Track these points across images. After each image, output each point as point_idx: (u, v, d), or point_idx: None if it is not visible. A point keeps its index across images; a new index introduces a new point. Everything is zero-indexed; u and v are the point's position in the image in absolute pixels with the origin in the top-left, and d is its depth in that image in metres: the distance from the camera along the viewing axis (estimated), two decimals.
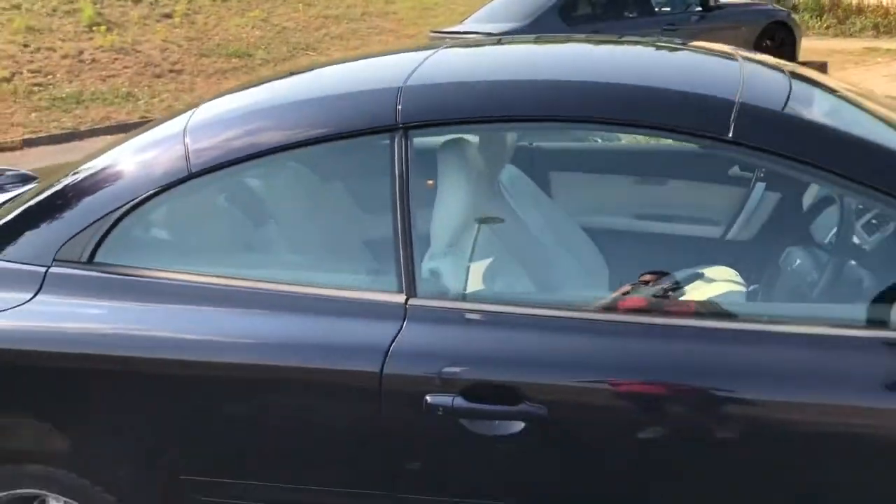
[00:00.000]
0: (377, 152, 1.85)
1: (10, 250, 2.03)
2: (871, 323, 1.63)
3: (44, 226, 2.05)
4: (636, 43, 2.47)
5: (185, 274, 1.88)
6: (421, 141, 1.87)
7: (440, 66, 2.02)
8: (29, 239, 2.04)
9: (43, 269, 1.96)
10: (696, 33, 9.60)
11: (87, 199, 2.02)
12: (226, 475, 1.84)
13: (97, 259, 1.95)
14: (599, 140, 2.92)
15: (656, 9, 9.57)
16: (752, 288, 2.15)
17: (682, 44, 2.56)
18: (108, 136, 8.94)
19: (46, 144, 10.19)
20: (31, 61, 12.72)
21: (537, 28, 8.59)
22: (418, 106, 1.84)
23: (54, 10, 14.40)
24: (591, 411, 1.65)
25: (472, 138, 2.15)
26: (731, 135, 1.67)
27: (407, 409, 1.67)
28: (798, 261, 2.07)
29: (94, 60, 13.10)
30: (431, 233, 1.92)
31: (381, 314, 1.74)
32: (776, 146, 1.67)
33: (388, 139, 1.82)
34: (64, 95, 11.90)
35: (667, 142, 2.17)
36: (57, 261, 1.96)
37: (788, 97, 1.80)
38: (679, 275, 1.86)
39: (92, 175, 2.08)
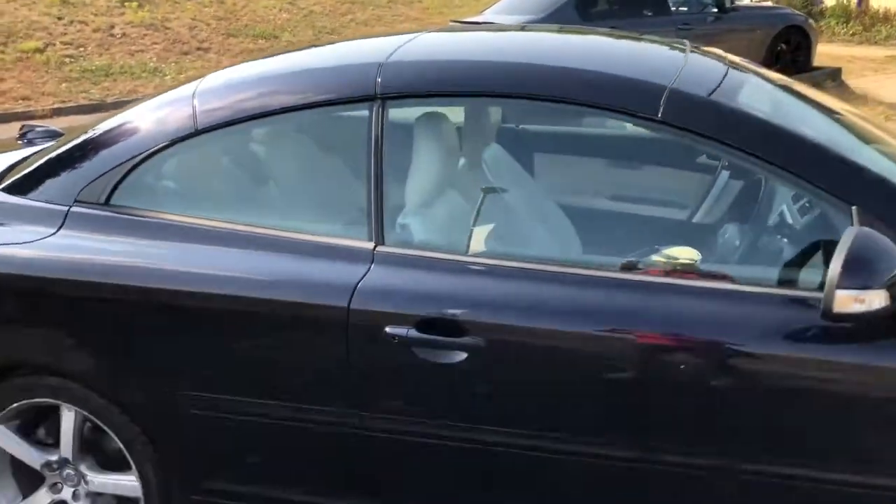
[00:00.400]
0: (358, 119, 2.13)
1: (38, 192, 2.34)
2: (782, 283, 1.90)
3: (68, 172, 2.35)
4: (600, 34, 2.72)
5: (188, 217, 2.18)
6: (397, 112, 2.15)
7: (419, 47, 2.30)
8: (54, 183, 2.35)
9: (65, 209, 2.26)
10: (710, 34, 9.76)
11: (106, 150, 2.32)
12: (215, 391, 2.14)
13: (113, 201, 2.25)
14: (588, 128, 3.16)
15: (673, 8, 9.75)
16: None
17: (639, 37, 2.82)
18: None
19: (75, 114, 10.52)
20: (64, 34, 13.09)
21: (552, 21, 8.80)
22: (395, 80, 2.12)
23: None
24: (523, 346, 1.92)
25: (449, 114, 2.42)
26: (660, 116, 1.93)
27: (369, 337, 1.96)
28: (737, 234, 2.33)
29: (124, 35, 13.44)
30: (406, 193, 2.20)
31: (353, 258, 2.03)
32: (700, 128, 1.93)
33: (368, 108, 2.10)
34: (93, 68, 12.26)
35: (641, 129, 2.41)
36: (78, 202, 2.26)
37: (718, 87, 2.05)
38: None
39: (110, 130, 2.38)
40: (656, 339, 1.83)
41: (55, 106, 10.56)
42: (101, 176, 2.27)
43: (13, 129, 9.97)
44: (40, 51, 12.46)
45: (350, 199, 2.12)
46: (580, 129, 2.88)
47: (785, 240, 2.16)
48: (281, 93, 2.22)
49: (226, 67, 2.60)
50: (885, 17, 16.81)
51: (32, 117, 10.18)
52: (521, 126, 3.01)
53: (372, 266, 2.01)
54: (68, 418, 2.31)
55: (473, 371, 1.93)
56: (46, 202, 2.30)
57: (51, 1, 13.94)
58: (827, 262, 1.67)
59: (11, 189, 2.40)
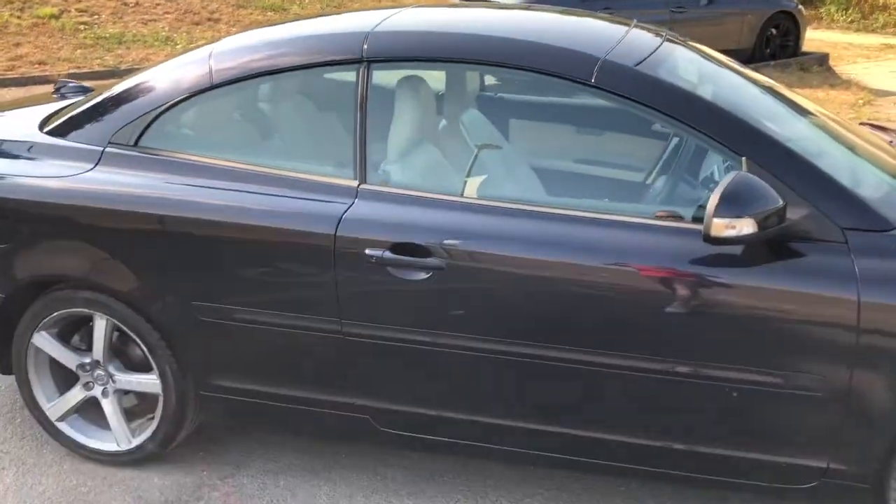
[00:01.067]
0: (347, 79, 2.56)
1: (77, 135, 2.78)
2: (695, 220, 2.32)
3: (103, 119, 2.78)
4: (562, 13, 3.15)
5: (203, 157, 2.62)
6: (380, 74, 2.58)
7: (401, 19, 2.72)
8: (91, 127, 2.78)
9: (101, 149, 2.70)
10: (703, 17, 10.14)
11: (135, 101, 2.76)
12: (221, 302, 2.57)
13: (140, 143, 2.69)
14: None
15: None
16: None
17: (593, 15, 3.24)
18: None
19: (90, 79, 10.88)
20: (79, 1, 13.46)
21: (549, 3, 9.16)
22: (378, 47, 2.55)
23: None
24: (475, 267, 2.36)
25: (428, 78, 2.85)
26: (593, 81, 2.36)
27: (351, 258, 2.39)
28: (662, 183, 2.76)
29: (137, 4, 13.80)
30: (386, 142, 2.63)
31: (340, 193, 2.46)
32: (627, 92, 2.36)
33: (356, 70, 2.53)
34: (107, 35, 12.63)
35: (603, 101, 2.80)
36: (111, 143, 2.70)
37: (646, 59, 2.47)
38: None
39: (139, 84, 2.81)
40: (589, 261, 2.26)
41: (70, 71, 10.92)
42: (130, 122, 2.71)
43: (30, 91, 10.44)
44: (55, 17, 12.83)
45: (340, 146, 2.54)
46: (538, 97, 3.29)
47: (699, 187, 2.59)
48: (284, 55, 2.65)
49: (237, 33, 3.03)
50: (884, 6, 17.05)
51: (49, 81, 10.58)
52: (497, 94, 3.44)
53: (356, 200, 2.45)
54: (100, 326, 2.76)
55: (434, 286, 2.36)
56: (85, 143, 2.74)
57: None
58: None
59: (54, 132, 2.85)
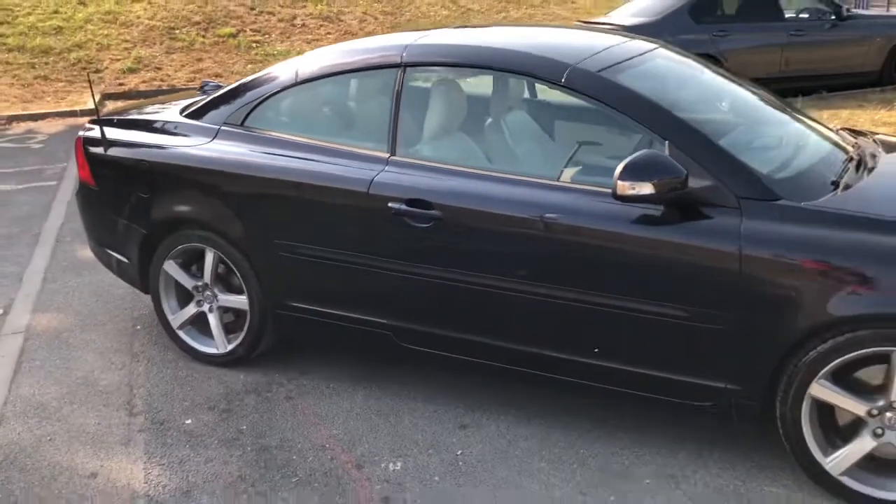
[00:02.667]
0: (389, 79, 3.43)
1: (203, 117, 3.81)
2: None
3: (222, 105, 3.80)
4: (563, 28, 3.90)
5: (285, 134, 3.57)
6: (415, 76, 3.44)
7: (433, 37, 3.58)
8: (213, 112, 3.81)
9: (217, 127, 3.71)
10: (825, 41, 10.32)
11: (244, 93, 3.76)
12: (294, 240, 3.49)
13: (245, 124, 3.68)
14: None
15: (789, 15, 10.35)
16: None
17: (581, 28, 3.96)
18: None
19: None
20: (254, 22, 15.19)
21: (665, 25, 9.70)
22: (413, 55, 3.42)
23: None
24: (466, 218, 3.14)
25: (463, 81, 3.66)
26: (563, 82, 3.12)
27: (378, 209, 3.25)
28: (594, 157, 3.39)
29: (303, 25, 15.39)
30: (424, 129, 3.48)
31: (376, 161, 3.34)
32: (588, 91, 3.09)
33: (395, 72, 3.41)
34: (276, 52, 14.22)
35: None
36: (225, 123, 3.71)
37: (610, 66, 3.18)
38: None
39: (247, 82, 3.82)
40: (540, 215, 3.01)
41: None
42: (239, 108, 3.71)
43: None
44: (233, 36, 14.59)
45: (381, 128, 3.42)
46: (520, 93, 3.88)
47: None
48: (348, 61, 3.57)
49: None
50: None
51: None
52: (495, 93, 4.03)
53: (385, 167, 3.31)
54: (209, 258, 3.77)
55: (435, 232, 3.18)
56: (208, 123, 3.77)
57: None
58: None
59: (190, 115, 3.89)
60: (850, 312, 2.65)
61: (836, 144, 3.46)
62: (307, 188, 3.44)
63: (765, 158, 3.07)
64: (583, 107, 3.16)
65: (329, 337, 3.68)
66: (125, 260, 4.04)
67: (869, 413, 2.72)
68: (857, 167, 3.18)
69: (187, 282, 3.88)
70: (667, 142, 2.90)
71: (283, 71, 3.74)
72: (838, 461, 2.79)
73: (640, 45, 3.65)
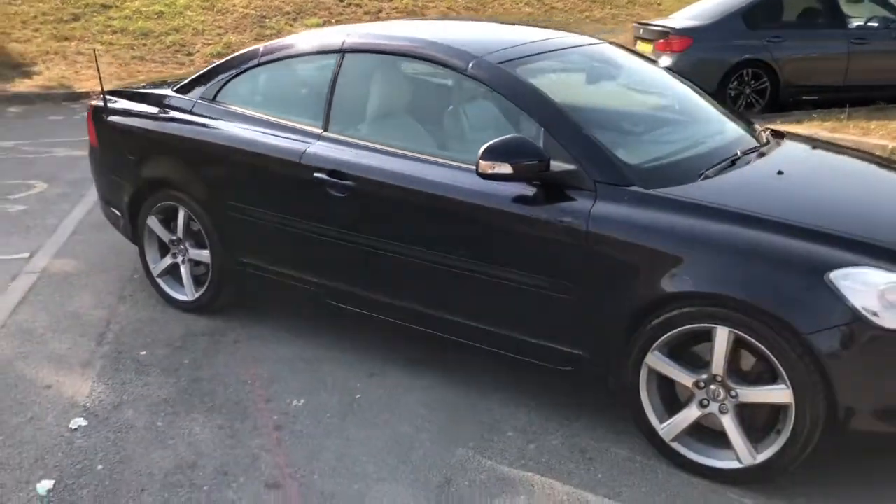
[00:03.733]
0: (330, 63, 3.87)
1: (187, 92, 4.34)
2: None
3: (200, 82, 4.33)
4: (499, 23, 4.23)
5: (245, 109, 4.06)
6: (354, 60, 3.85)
7: (376, 27, 3.99)
8: (196, 88, 4.33)
9: (194, 101, 4.24)
10: (888, 50, 10.08)
11: (217, 73, 4.27)
12: (240, 202, 3.98)
13: (217, 99, 4.19)
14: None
15: (852, 22, 10.16)
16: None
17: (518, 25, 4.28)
18: None
19: None
20: (341, 14, 15.88)
21: (716, 29, 9.74)
22: (351, 42, 3.84)
23: None
24: (374, 188, 3.54)
25: (393, 68, 3.99)
26: (467, 72, 3.47)
27: (307, 178, 3.69)
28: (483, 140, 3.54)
29: (387, 18, 15.99)
30: (352, 109, 3.88)
31: (311, 136, 3.78)
32: (487, 81, 3.43)
33: (336, 57, 3.84)
34: None
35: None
36: (201, 97, 4.23)
37: (510, 60, 3.50)
38: None
39: (226, 61, 4.32)
40: (430, 189, 3.38)
41: None
42: (213, 84, 4.23)
43: None
44: (319, 26, 15.31)
45: (318, 106, 3.85)
46: (437, 80, 4.00)
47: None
48: (300, 46, 4.03)
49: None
50: None
51: None
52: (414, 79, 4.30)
53: (317, 141, 3.75)
54: (181, 215, 4.29)
55: (351, 200, 3.60)
56: (189, 97, 4.30)
57: None
58: None
59: (178, 90, 4.43)
60: (678, 289, 2.91)
61: (737, 141, 3.66)
62: (252, 156, 3.92)
63: (639, 149, 3.35)
64: (486, 94, 3.49)
65: (275, 292, 4.14)
66: (119, 214, 4.63)
67: (696, 384, 2.97)
68: (733, 163, 3.38)
69: (165, 236, 4.43)
70: (542, 129, 3.22)
71: (251, 52, 4.23)
72: (670, 428, 3.05)
73: (569, 41, 3.95)
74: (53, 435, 3.31)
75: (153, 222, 4.44)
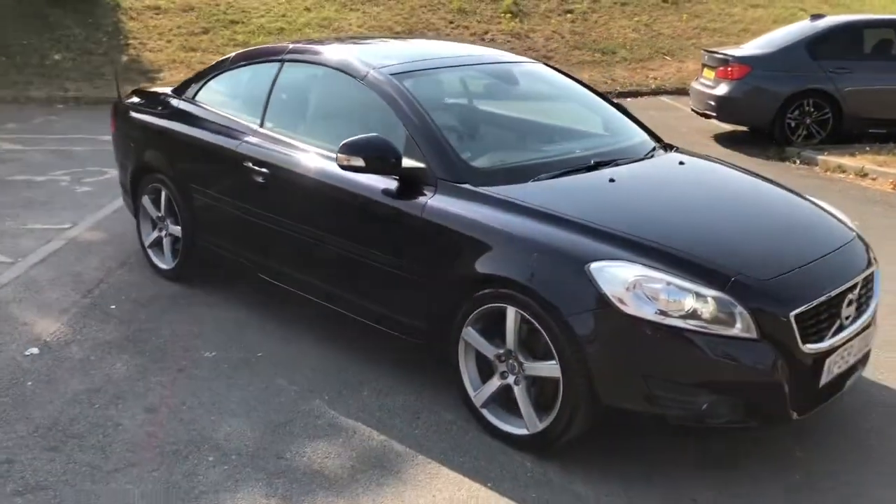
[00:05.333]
0: (273, 70, 4.53)
1: (177, 93, 5.14)
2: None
3: (186, 85, 5.11)
4: (422, 41, 4.74)
5: (210, 107, 4.80)
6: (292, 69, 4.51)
7: (310, 44, 4.63)
8: (186, 89, 5.12)
9: (178, 100, 5.03)
10: None
11: (204, 74, 5.04)
12: (199, 185, 4.70)
13: (195, 98, 4.96)
14: None
15: None
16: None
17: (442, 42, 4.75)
18: None
19: None
20: (449, 34, 16.63)
21: (779, 58, 9.75)
22: (290, 53, 4.49)
23: None
24: (283, 175, 4.16)
25: (315, 75, 4.59)
26: (363, 80, 4.04)
27: (242, 167, 4.36)
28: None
29: (492, 40, 16.60)
30: (282, 108, 4.51)
31: (249, 131, 4.45)
32: (377, 90, 3.98)
33: (277, 65, 4.50)
34: None
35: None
36: (183, 97, 5.02)
37: (402, 73, 4.03)
38: None
39: (210, 66, 5.09)
40: (320, 178, 3.96)
41: None
42: (195, 85, 5.00)
43: None
44: None
45: (259, 105, 4.52)
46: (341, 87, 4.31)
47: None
48: (255, 54, 4.73)
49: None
50: None
51: None
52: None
53: (252, 136, 4.42)
54: (163, 195, 5.07)
55: (268, 187, 4.24)
56: (175, 96, 5.10)
57: (451, 8, 17.59)
58: None
59: (174, 91, 5.24)
60: (484, 273, 3.34)
61: (612, 152, 4.02)
62: (205, 146, 4.64)
63: (489, 154, 3.82)
64: (373, 100, 4.01)
65: (224, 263, 4.84)
66: (125, 193, 5.49)
67: (497, 358, 3.39)
68: (590, 169, 3.77)
69: (153, 213, 5.24)
70: (406, 133, 3.74)
71: (226, 59, 4.99)
72: (479, 396, 3.48)
73: (487, 58, 4.47)
74: (8, 357, 4.12)
75: (146, 201, 5.25)
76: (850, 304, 3.28)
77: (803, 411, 3.17)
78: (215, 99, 4.91)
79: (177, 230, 5.04)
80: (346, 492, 3.11)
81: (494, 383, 3.42)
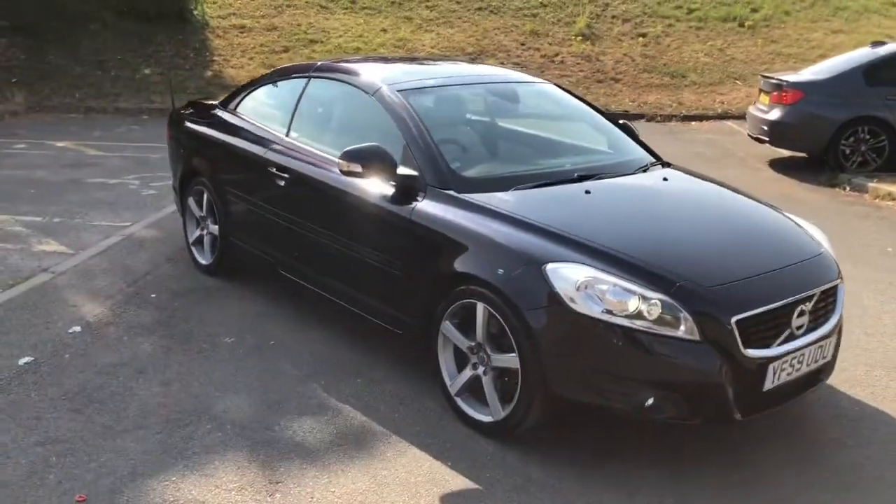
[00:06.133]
0: (301, 83, 4.97)
1: (221, 105, 5.65)
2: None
3: (234, 97, 5.61)
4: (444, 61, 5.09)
5: (245, 116, 5.27)
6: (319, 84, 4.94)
7: (340, 62, 5.04)
8: (224, 102, 5.62)
9: (221, 111, 5.53)
10: None
11: (245, 88, 5.53)
12: (232, 187, 5.18)
13: (236, 110, 5.46)
14: None
15: None
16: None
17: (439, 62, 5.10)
18: None
19: None
20: (519, 56, 16.99)
21: (834, 84, 9.72)
22: (317, 69, 4.93)
23: (558, 20, 18.49)
24: (303, 181, 4.57)
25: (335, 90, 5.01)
26: (373, 94, 4.43)
27: (267, 170, 4.80)
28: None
29: (561, 62, 16.86)
30: (306, 119, 4.94)
31: (277, 139, 4.90)
32: (384, 105, 4.37)
33: (305, 79, 4.95)
34: None
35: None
36: (227, 109, 5.52)
37: (410, 89, 4.39)
38: None
39: (251, 80, 5.57)
40: (333, 183, 4.36)
41: None
42: (236, 98, 5.50)
43: None
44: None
45: (287, 116, 4.95)
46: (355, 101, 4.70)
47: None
48: (288, 70, 5.19)
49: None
50: None
51: None
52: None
53: (278, 144, 4.86)
54: (205, 197, 5.57)
55: (288, 189, 4.66)
56: (221, 108, 5.61)
57: (525, 30, 17.93)
58: None
59: (221, 102, 5.75)
60: (459, 271, 3.66)
61: (604, 167, 4.29)
62: (239, 152, 5.11)
63: (478, 165, 4.15)
64: (381, 113, 4.37)
65: (251, 261, 5.28)
66: (176, 195, 6.02)
67: (470, 350, 3.69)
68: (581, 180, 4.07)
69: (197, 213, 5.74)
70: (404, 143, 4.11)
71: (268, 73, 5.46)
72: (454, 385, 3.79)
73: (491, 75, 4.81)
74: (54, 333, 4.64)
75: (191, 202, 5.76)
76: (801, 314, 3.45)
77: (747, 413, 3.36)
78: (252, 110, 5.38)
79: (215, 229, 5.52)
80: (320, 461, 3.46)
81: (467, 373, 3.72)
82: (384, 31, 17.74)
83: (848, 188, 9.17)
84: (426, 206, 3.87)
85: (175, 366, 4.30)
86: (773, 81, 10.21)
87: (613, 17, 18.75)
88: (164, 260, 5.98)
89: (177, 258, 6.01)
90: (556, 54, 17.15)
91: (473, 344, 3.67)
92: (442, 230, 3.77)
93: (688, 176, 4.51)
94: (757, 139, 10.38)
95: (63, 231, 6.58)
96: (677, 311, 3.22)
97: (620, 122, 5.05)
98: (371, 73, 4.69)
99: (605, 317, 3.23)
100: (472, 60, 16.17)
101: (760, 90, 10.60)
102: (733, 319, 3.23)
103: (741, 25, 18.55)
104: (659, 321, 3.22)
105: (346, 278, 4.38)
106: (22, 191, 7.93)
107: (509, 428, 3.55)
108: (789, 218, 4.14)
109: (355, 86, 4.62)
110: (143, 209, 7.29)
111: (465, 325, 3.71)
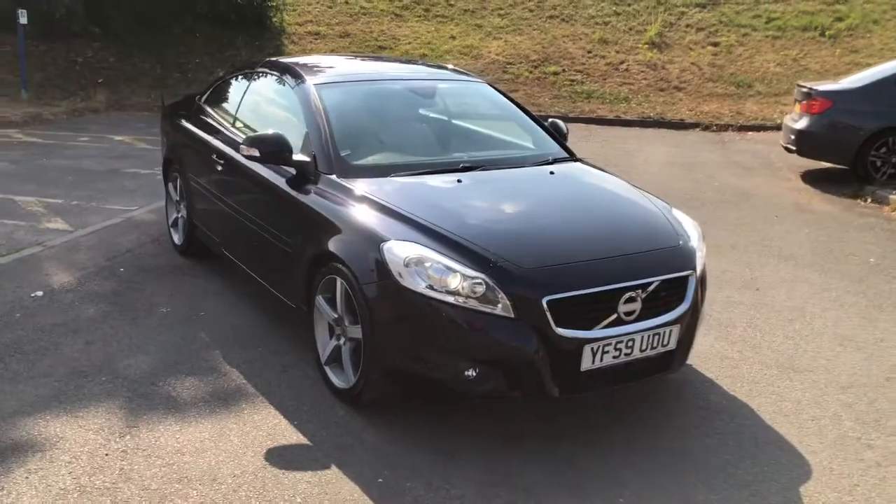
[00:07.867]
0: (251, 76, 5.40)
1: (198, 99, 6.15)
2: None
3: (208, 89, 6.11)
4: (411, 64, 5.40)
5: (213, 110, 5.74)
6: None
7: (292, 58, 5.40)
8: (201, 96, 6.12)
9: (195, 105, 6.03)
10: None
11: (215, 82, 6.01)
12: (195, 175, 5.65)
13: (203, 102, 5.94)
14: None
15: None
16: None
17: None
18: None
19: None
20: (584, 64, 17.04)
21: (864, 94, 9.45)
22: (265, 67, 5.34)
23: (629, 29, 18.41)
24: (225, 163, 4.98)
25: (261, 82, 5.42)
26: (293, 89, 4.79)
27: (211, 157, 5.25)
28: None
29: (626, 70, 16.81)
30: (245, 110, 5.36)
31: (223, 128, 5.34)
32: (300, 96, 4.73)
33: (247, 73, 5.37)
34: (581, 91, 15.96)
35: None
36: (196, 102, 6.01)
37: (335, 83, 4.74)
38: None
39: (224, 73, 6.06)
40: (249, 168, 4.74)
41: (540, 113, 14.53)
42: (204, 94, 5.98)
43: None
44: (556, 74, 16.64)
45: (234, 106, 5.39)
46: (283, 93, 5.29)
47: None
48: (244, 67, 5.62)
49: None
50: None
51: None
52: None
53: (224, 133, 5.29)
54: (179, 183, 6.08)
55: (222, 172, 5.08)
56: (196, 101, 6.11)
57: (592, 38, 17.97)
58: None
59: (198, 95, 6.26)
60: (327, 249, 3.96)
61: (490, 161, 4.52)
62: (196, 139, 5.58)
63: (367, 153, 4.44)
64: (297, 105, 4.73)
65: (213, 246, 5.73)
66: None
67: (335, 322, 3.99)
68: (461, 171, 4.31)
69: (174, 196, 6.25)
70: (305, 132, 4.45)
71: (235, 68, 5.92)
72: (324, 354, 4.09)
73: (418, 73, 5.11)
74: (17, 296, 5.22)
75: (170, 187, 6.29)
76: (630, 300, 3.58)
77: (566, 390, 3.52)
78: (214, 102, 5.85)
79: (185, 213, 6.01)
80: (180, 413, 3.83)
81: (331, 343, 4.02)
82: (453, 38, 18.14)
83: (869, 199, 8.91)
84: (313, 189, 4.19)
85: (105, 328, 4.78)
86: (804, 90, 9.99)
87: (687, 25, 18.52)
88: (150, 240, 6.52)
89: (162, 240, 6.54)
90: (622, 62, 17.10)
91: (337, 316, 3.96)
92: (320, 211, 4.09)
93: (586, 170, 4.66)
94: (786, 148, 10.18)
95: (75, 213, 7.25)
96: (494, 289, 3.42)
97: (549, 121, 5.24)
98: (304, 69, 5.06)
99: (428, 291, 3.46)
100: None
101: (795, 100, 10.39)
102: (544, 300, 3.41)
103: (822, 34, 17.96)
104: (482, 299, 3.43)
105: (261, 256, 4.75)
106: (62, 178, 8.71)
107: (357, 394, 3.83)
108: (669, 215, 4.22)
109: (285, 81, 5.01)
110: (153, 196, 7.90)
111: (333, 300, 4.00)
